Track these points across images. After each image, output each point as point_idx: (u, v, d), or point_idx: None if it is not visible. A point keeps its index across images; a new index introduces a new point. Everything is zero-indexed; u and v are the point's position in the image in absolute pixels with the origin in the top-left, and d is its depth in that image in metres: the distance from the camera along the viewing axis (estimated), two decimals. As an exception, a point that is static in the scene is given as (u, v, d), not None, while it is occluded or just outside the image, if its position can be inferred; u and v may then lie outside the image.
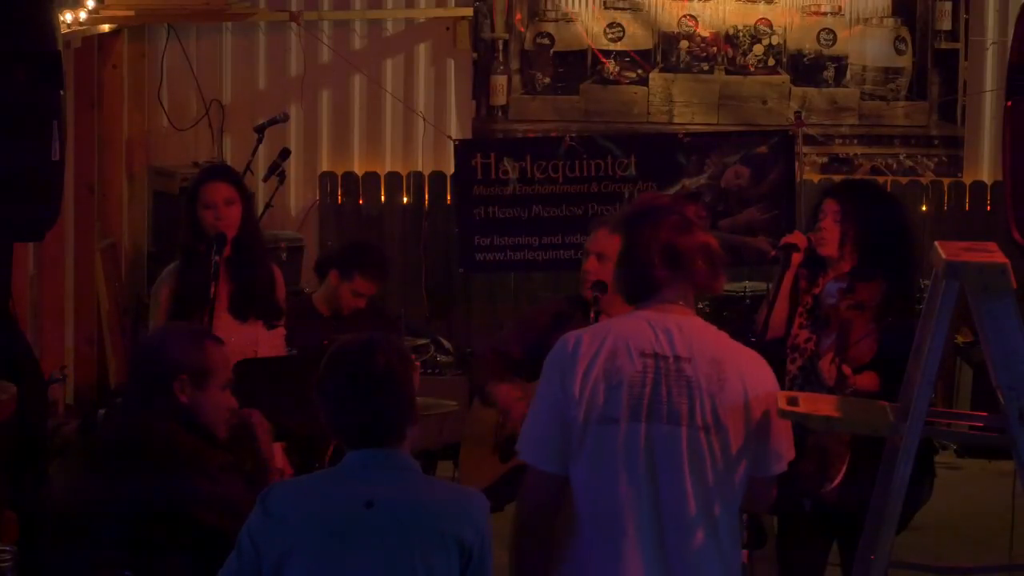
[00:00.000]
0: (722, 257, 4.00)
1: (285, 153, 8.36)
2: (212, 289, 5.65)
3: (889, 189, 9.51)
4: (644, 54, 9.92)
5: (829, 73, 9.87)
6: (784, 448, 3.96)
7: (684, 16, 9.88)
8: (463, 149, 9.04)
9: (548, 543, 3.93)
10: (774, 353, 5.55)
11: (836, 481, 5.32)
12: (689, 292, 3.97)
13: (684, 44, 9.89)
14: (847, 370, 5.24)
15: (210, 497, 4.09)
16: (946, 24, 9.80)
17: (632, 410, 3.83)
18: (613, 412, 3.84)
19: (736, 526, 3.95)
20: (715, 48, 9.88)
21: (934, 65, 9.82)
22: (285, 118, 8.91)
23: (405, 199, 9.99)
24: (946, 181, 9.86)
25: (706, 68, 9.91)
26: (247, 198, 5.94)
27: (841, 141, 9.92)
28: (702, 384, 3.85)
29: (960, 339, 9.06)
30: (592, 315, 5.50)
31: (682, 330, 3.90)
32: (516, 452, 4.03)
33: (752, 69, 9.89)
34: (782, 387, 5.37)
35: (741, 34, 9.88)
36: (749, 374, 3.91)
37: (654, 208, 4.01)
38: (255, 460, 4.34)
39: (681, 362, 3.86)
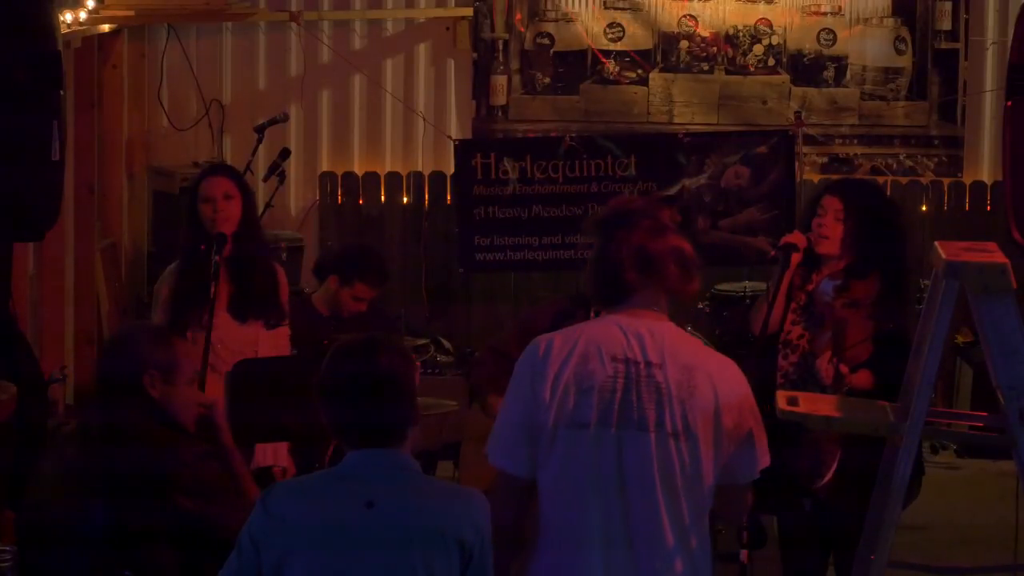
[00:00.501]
0: (695, 261, 3.94)
1: (285, 153, 8.36)
2: (212, 289, 5.65)
3: (889, 189, 9.53)
4: (644, 54, 9.92)
5: (829, 73, 9.87)
6: (758, 455, 3.91)
7: (684, 16, 9.88)
8: (463, 149, 9.03)
9: (516, 547, 3.90)
10: (767, 349, 5.56)
11: (827, 477, 5.32)
12: (661, 297, 3.93)
13: (684, 44, 9.89)
14: (844, 369, 5.24)
15: (190, 483, 4.12)
16: (946, 24, 9.80)
17: (602, 415, 3.80)
18: (583, 417, 3.81)
19: (707, 532, 3.92)
20: (715, 48, 9.88)
21: (934, 65, 9.82)
22: (285, 118, 8.92)
23: (405, 199, 9.98)
24: (946, 181, 9.86)
25: (706, 68, 9.91)
26: (247, 195, 5.93)
27: (841, 141, 9.92)
28: (672, 390, 3.81)
29: (960, 339, 9.06)
30: (592, 313, 5.49)
31: (653, 335, 3.87)
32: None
33: (752, 69, 9.89)
34: (774, 383, 5.40)
35: (741, 34, 9.87)
36: (720, 381, 3.87)
37: (627, 212, 3.96)
38: (219, 448, 4.36)
39: (652, 368, 3.82)
